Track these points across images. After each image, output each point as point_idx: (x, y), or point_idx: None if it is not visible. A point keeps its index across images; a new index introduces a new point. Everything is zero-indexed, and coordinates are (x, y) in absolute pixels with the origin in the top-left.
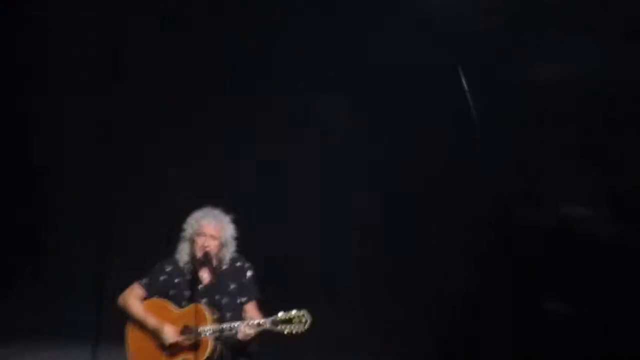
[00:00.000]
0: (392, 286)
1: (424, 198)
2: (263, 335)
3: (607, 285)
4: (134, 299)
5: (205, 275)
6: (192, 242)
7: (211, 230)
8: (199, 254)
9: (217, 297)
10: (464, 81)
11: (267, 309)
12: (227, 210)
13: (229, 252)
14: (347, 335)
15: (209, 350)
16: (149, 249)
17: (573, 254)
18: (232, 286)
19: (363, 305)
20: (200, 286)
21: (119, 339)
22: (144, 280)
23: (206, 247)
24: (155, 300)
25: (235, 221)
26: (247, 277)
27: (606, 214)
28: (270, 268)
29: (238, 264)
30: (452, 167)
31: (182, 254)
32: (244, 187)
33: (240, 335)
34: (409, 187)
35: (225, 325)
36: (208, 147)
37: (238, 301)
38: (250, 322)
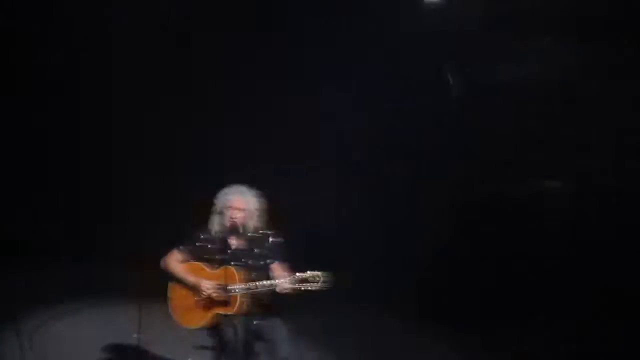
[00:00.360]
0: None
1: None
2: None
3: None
4: (174, 261)
5: (234, 242)
6: (222, 214)
7: (237, 204)
8: (228, 224)
9: (243, 260)
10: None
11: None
12: (250, 186)
13: (254, 221)
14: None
15: (237, 305)
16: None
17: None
18: (257, 250)
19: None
20: (229, 251)
21: (163, 295)
22: (182, 246)
23: (234, 218)
24: (192, 263)
25: (259, 195)
26: (270, 242)
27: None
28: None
29: (262, 232)
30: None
31: (214, 224)
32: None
33: (278, 289)
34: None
35: (251, 284)
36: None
37: (262, 262)
38: (272, 281)
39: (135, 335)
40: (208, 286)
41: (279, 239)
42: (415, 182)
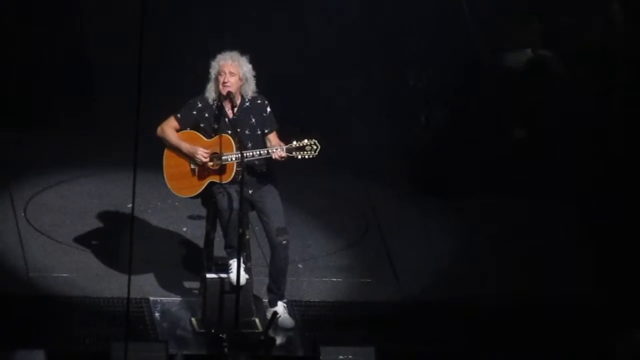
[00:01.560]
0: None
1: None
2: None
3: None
4: (170, 128)
5: (230, 111)
6: (217, 80)
7: (229, 68)
8: (223, 90)
9: (239, 129)
10: None
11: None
12: (243, 51)
13: (250, 89)
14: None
15: (233, 173)
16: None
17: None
18: (253, 119)
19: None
20: (226, 119)
21: (157, 166)
22: (179, 114)
23: (226, 82)
24: (188, 131)
25: (252, 60)
26: (267, 112)
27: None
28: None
29: (258, 101)
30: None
31: (210, 92)
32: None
33: (274, 156)
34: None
35: (246, 153)
36: None
37: (259, 132)
38: (268, 149)
39: (129, 205)
40: (203, 154)
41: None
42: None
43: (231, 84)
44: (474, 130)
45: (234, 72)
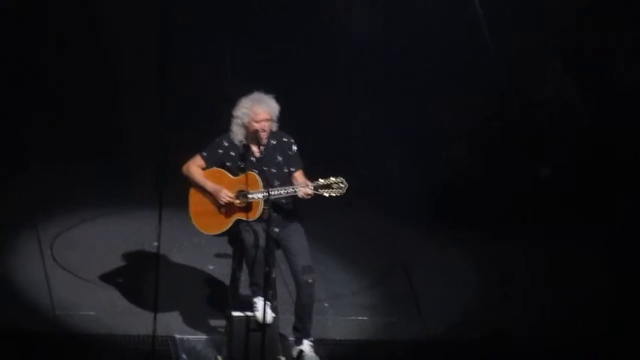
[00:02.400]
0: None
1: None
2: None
3: None
4: (195, 167)
5: (256, 149)
6: (248, 125)
7: (264, 115)
8: (262, 137)
9: (266, 167)
10: None
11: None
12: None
13: (275, 127)
14: None
15: (259, 211)
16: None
17: None
18: (280, 158)
19: None
20: (252, 159)
21: (182, 204)
22: (204, 152)
23: (264, 130)
24: (214, 169)
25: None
26: (293, 150)
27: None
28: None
29: (284, 139)
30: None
31: (237, 134)
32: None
33: (300, 194)
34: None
35: (273, 191)
36: None
37: (285, 170)
38: (294, 187)
39: (155, 244)
40: (227, 194)
41: (297, 147)
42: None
43: (267, 129)
44: (495, 164)
45: (268, 118)
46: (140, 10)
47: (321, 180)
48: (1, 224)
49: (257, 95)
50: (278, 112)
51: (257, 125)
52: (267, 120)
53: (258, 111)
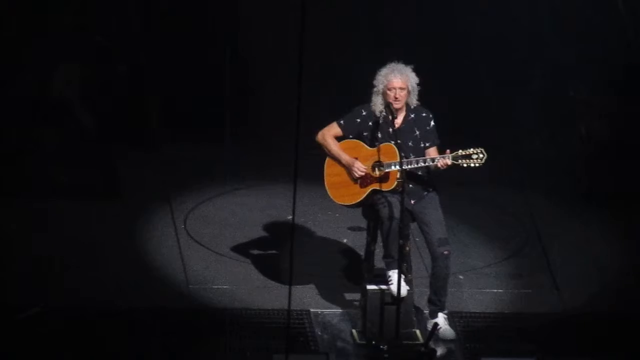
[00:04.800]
0: None
1: None
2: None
3: None
4: (331, 137)
5: (395, 121)
6: (384, 94)
7: (399, 83)
8: (395, 105)
9: (403, 140)
10: None
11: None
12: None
13: (414, 99)
14: None
15: (395, 182)
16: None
17: None
18: (417, 132)
19: None
20: (389, 129)
21: (317, 178)
22: (342, 120)
23: (398, 98)
24: (350, 140)
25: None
26: (430, 126)
27: None
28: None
29: (423, 114)
30: None
31: (377, 105)
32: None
33: (439, 164)
34: None
35: (409, 162)
36: None
37: (421, 145)
38: (433, 157)
39: (289, 217)
40: (361, 167)
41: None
42: None
43: (401, 98)
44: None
45: (403, 87)
46: None
47: (460, 151)
48: (136, 200)
49: (394, 65)
50: (416, 84)
51: (390, 94)
52: (402, 89)
53: (392, 79)
